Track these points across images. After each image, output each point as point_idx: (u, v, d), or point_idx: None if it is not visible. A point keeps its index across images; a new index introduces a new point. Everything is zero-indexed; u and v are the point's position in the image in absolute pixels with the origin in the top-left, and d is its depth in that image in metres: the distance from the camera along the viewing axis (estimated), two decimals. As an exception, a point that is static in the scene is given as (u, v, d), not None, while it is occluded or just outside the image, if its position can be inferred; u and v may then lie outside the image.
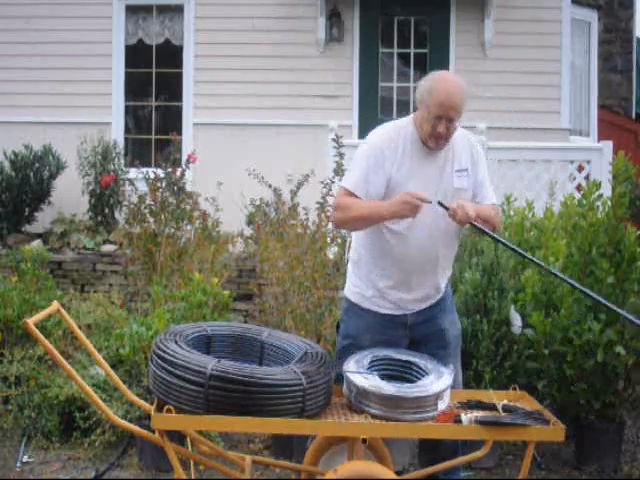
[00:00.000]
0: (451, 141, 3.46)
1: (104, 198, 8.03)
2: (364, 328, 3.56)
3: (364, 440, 3.10)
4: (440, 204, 3.35)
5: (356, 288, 3.60)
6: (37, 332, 3.09)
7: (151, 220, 6.62)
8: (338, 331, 3.71)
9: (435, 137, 3.38)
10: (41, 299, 5.54)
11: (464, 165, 3.50)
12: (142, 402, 3.54)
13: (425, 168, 3.44)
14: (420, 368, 3.36)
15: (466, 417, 3.13)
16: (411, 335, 3.57)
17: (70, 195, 8.39)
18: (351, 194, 3.40)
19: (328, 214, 5.96)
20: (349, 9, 9.02)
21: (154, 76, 9.27)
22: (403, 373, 3.39)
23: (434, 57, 9.09)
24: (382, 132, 3.50)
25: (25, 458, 4.70)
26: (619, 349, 4.53)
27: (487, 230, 3.45)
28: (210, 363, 3.03)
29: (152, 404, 3.28)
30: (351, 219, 3.40)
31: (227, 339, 3.52)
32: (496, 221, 3.55)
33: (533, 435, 3.12)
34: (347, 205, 3.39)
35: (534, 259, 3.72)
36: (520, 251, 3.67)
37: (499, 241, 3.68)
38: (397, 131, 3.48)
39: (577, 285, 3.59)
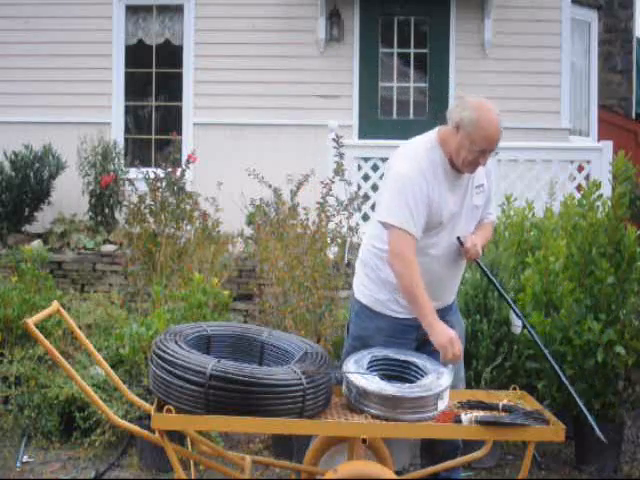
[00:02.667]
0: None
1: (104, 198, 8.03)
2: (376, 331, 3.54)
3: (364, 440, 3.10)
4: (458, 239, 3.48)
5: (368, 291, 3.58)
6: (37, 332, 3.09)
7: (151, 220, 6.62)
8: (348, 332, 3.70)
9: (474, 166, 3.42)
10: (41, 299, 5.54)
11: (481, 181, 3.56)
12: (142, 402, 3.54)
13: (454, 189, 3.46)
14: (419, 368, 3.36)
15: (466, 417, 3.13)
16: (422, 336, 3.57)
17: (70, 195, 8.39)
18: (405, 234, 3.32)
19: (328, 214, 5.95)
20: (349, 9, 9.03)
21: (154, 76, 9.27)
22: (402, 373, 3.39)
23: (434, 57, 9.10)
24: (414, 163, 3.40)
25: (25, 458, 4.69)
26: (619, 349, 4.54)
27: (487, 272, 3.77)
28: (210, 363, 3.03)
29: (152, 404, 3.28)
30: (401, 277, 3.34)
31: (227, 339, 3.52)
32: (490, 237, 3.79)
33: (533, 435, 3.12)
34: (407, 263, 3.31)
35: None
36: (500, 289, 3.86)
37: (489, 279, 3.91)
38: (427, 158, 3.42)
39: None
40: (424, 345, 3.56)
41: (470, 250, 3.47)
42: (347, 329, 3.74)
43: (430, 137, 3.52)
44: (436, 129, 3.56)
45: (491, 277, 3.81)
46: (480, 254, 3.52)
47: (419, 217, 3.33)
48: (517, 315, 3.80)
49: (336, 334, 5.02)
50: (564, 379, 3.47)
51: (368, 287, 3.58)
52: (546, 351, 3.55)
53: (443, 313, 3.57)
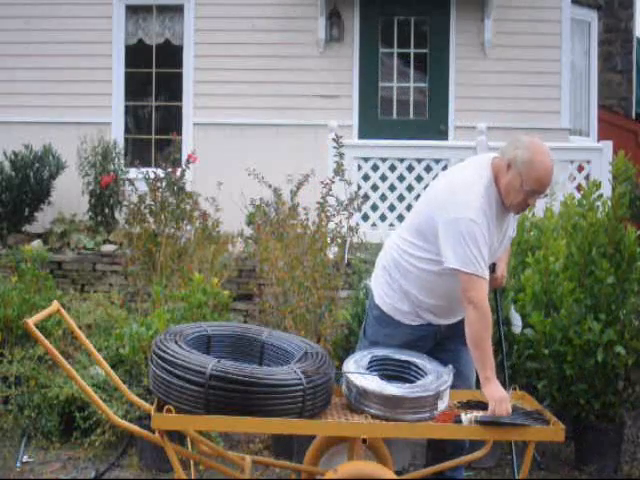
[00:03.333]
0: None
1: (104, 198, 8.02)
2: (394, 337, 3.56)
3: (364, 440, 3.10)
4: (493, 265, 3.64)
5: (389, 299, 3.58)
6: (37, 332, 3.09)
7: (151, 220, 6.61)
8: (365, 334, 3.71)
9: (522, 208, 3.43)
10: (41, 299, 5.54)
11: None
12: (142, 402, 3.54)
13: (501, 223, 3.47)
14: (419, 368, 3.37)
15: (466, 417, 3.13)
16: (440, 340, 3.61)
17: (70, 195, 8.39)
18: (480, 279, 3.30)
19: (328, 214, 5.95)
20: (349, 9, 9.02)
21: (154, 76, 9.27)
22: (402, 373, 3.39)
23: (434, 57, 9.09)
24: (477, 204, 3.32)
25: (25, 458, 4.70)
26: (619, 349, 4.54)
27: (500, 302, 4.00)
28: (210, 363, 3.03)
29: (152, 404, 3.29)
30: (472, 327, 3.29)
31: (227, 339, 3.52)
32: None
33: (533, 435, 3.12)
34: (482, 314, 3.28)
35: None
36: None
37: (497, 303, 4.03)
38: (486, 197, 3.35)
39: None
40: (439, 345, 3.59)
41: (498, 279, 3.71)
42: (364, 331, 3.74)
43: (486, 171, 3.42)
44: (489, 158, 3.47)
45: (500, 308, 3.99)
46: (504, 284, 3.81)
47: (486, 258, 3.33)
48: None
49: (336, 334, 5.02)
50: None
51: (389, 295, 3.58)
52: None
53: (459, 326, 3.56)
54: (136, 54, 9.25)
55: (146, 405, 3.48)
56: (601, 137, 9.19)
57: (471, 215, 3.28)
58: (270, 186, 6.45)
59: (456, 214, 3.30)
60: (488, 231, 3.31)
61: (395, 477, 3.13)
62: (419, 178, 7.62)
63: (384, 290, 3.59)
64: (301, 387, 3.06)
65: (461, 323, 3.48)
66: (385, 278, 3.59)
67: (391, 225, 7.59)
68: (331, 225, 6.02)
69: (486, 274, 3.32)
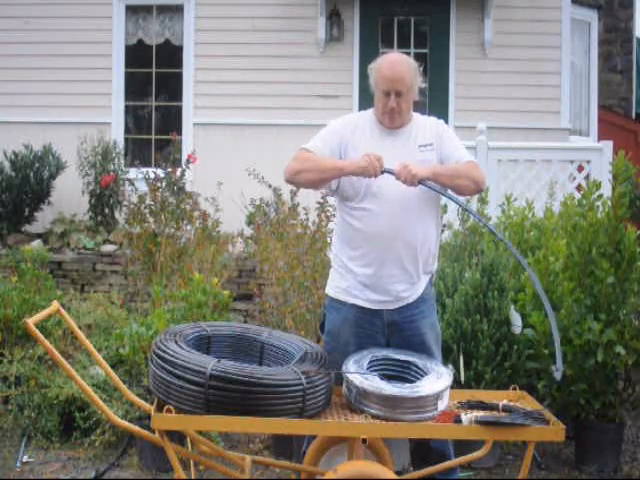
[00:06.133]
0: (413, 122, 3.57)
1: (104, 198, 8.03)
2: (343, 322, 3.55)
3: (364, 440, 3.10)
4: (386, 171, 3.37)
5: (334, 282, 3.63)
6: (37, 332, 3.09)
7: (151, 220, 6.62)
8: (323, 331, 3.72)
9: (388, 113, 3.49)
10: (41, 299, 5.54)
11: (428, 140, 3.55)
12: (142, 402, 3.54)
13: (385, 146, 3.49)
14: (419, 368, 3.36)
15: (466, 417, 3.13)
16: (389, 335, 3.56)
17: (70, 195, 8.40)
18: (303, 150, 3.58)
19: (328, 214, 5.95)
20: (349, 9, 9.03)
21: (154, 76, 9.27)
22: (402, 373, 3.39)
23: (434, 57, 9.09)
24: (343, 117, 3.73)
25: (25, 458, 4.69)
26: (619, 349, 4.54)
27: (437, 189, 3.41)
28: (210, 363, 3.03)
29: (152, 404, 3.29)
30: (307, 168, 3.53)
31: (227, 339, 3.52)
32: (474, 175, 3.44)
33: (533, 435, 3.12)
34: (306, 157, 3.56)
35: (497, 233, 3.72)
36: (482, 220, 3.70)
37: (458, 204, 3.68)
38: (357, 115, 3.75)
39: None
40: (392, 337, 3.56)
41: (401, 172, 3.32)
42: (322, 328, 3.75)
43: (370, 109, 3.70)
44: None
45: (446, 194, 3.48)
46: (416, 175, 3.31)
47: (327, 144, 3.59)
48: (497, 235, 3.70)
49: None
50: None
51: (333, 278, 3.64)
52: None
53: (411, 312, 3.53)
54: (136, 54, 9.25)
55: (146, 405, 3.48)
56: (601, 137, 9.19)
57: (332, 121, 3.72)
58: (270, 186, 6.45)
59: None
60: (347, 133, 3.56)
61: (395, 477, 3.13)
62: (419, 178, 7.61)
63: (331, 277, 3.67)
64: (301, 387, 3.06)
65: (410, 324, 3.52)
66: (332, 266, 3.68)
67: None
68: (331, 225, 6.02)
69: (311, 147, 3.61)
